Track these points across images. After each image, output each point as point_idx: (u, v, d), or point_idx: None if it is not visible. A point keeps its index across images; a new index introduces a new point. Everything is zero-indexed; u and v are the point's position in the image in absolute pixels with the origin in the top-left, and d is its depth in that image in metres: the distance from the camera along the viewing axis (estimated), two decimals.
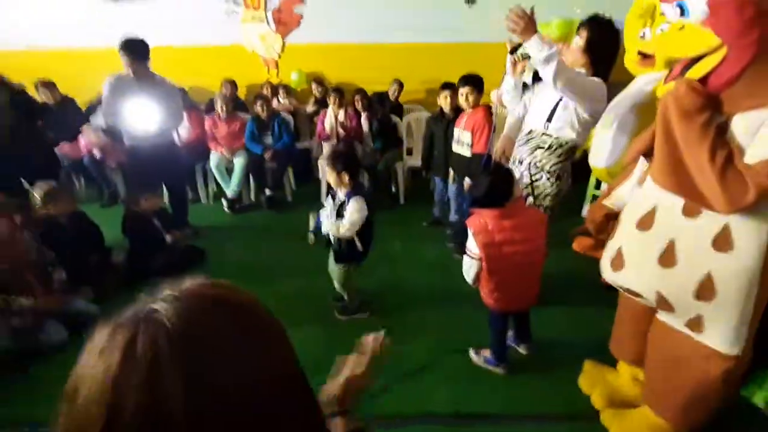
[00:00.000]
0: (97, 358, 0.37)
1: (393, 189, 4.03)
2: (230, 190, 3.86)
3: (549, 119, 2.01)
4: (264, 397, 0.40)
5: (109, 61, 4.46)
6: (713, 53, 1.08)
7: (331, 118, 3.98)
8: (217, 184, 4.01)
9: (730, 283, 1.11)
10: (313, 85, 4.57)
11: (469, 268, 1.77)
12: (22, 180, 2.79)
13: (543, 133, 2.04)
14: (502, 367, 1.90)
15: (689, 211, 1.16)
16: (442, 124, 3.09)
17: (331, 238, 2.13)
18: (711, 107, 1.08)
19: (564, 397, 1.78)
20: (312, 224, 2.20)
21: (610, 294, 1.72)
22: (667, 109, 1.13)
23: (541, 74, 1.83)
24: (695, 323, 1.23)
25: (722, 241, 1.12)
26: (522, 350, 2.03)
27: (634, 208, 1.33)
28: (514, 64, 2.16)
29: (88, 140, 3.86)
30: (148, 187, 2.76)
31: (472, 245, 1.72)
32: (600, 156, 2.44)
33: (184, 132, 3.93)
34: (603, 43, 1.97)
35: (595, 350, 1.93)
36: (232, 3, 4.59)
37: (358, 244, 2.07)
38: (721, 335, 1.18)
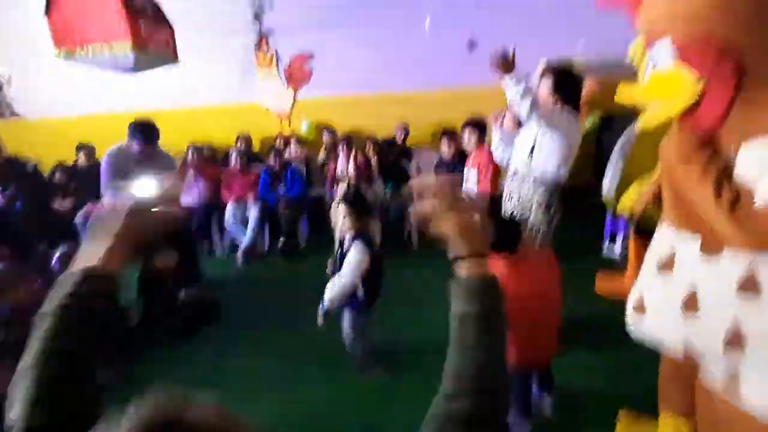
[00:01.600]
0: None
1: (406, 236, 4.01)
2: (245, 241, 3.92)
3: (530, 154, 2.12)
4: None
5: (125, 125, 4.76)
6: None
7: (343, 164, 4.08)
8: (232, 236, 4.09)
9: (762, 330, 1.02)
10: (324, 134, 4.72)
11: None
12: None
13: (526, 169, 2.14)
14: (528, 424, 1.77)
15: (709, 251, 1.08)
16: (445, 169, 3.13)
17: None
18: (707, 148, 1.04)
19: None
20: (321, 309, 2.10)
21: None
22: (666, 160, 1.10)
23: (518, 110, 1.96)
24: (732, 381, 1.11)
25: (749, 284, 1.04)
26: (547, 409, 1.87)
27: (654, 249, 1.26)
28: (495, 119, 2.33)
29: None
30: (158, 248, 2.81)
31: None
32: (607, 188, 2.44)
33: (201, 188, 4.08)
34: (568, 82, 2.10)
35: (628, 400, 1.78)
36: (247, 63, 4.89)
37: (360, 290, 2.02)
38: (760, 394, 1.06)
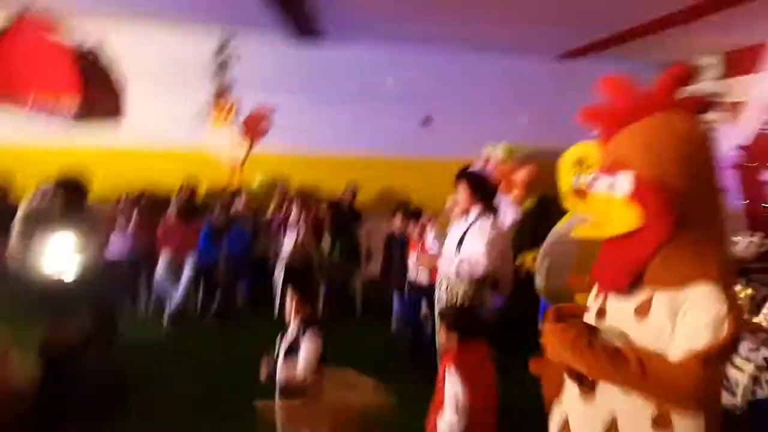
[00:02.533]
0: None
1: (348, 301, 3.94)
2: (175, 299, 3.61)
3: (458, 247, 2.34)
4: None
5: (55, 160, 4.37)
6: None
7: (295, 215, 3.94)
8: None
9: None
10: (277, 187, 4.63)
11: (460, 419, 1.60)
12: None
13: (455, 261, 2.34)
14: None
15: (625, 388, 1.16)
16: (397, 243, 3.19)
17: (278, 374, 1.97)
18: (586, 329, 1.18)
19: None
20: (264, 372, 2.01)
21: None
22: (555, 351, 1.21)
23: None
24: None
25: (661, 421, 1.11)
26: None
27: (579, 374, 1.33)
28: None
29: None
30: (70, 311, 2.48)
31: (461, 398, 1.58)
32: (540, 279, 2.62)
33: (131, 240, 3.77)
34: (481, 183, 2.45)
35: None
36: (202, 107, 4.78)
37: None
38: None
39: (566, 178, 2.52)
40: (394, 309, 3.40)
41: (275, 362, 2.00)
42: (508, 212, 3.44)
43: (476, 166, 3.42)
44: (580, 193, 2.41)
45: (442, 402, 1.68)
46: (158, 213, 4.18)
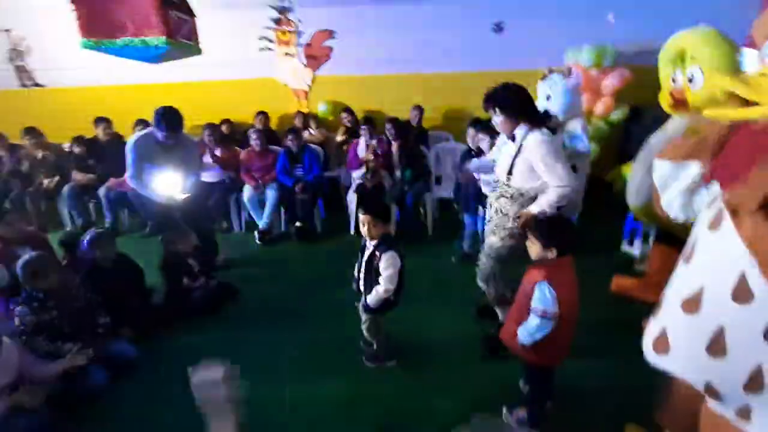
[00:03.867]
0: None
1: (422, 220, 4.01)
2: (262, 222, 3.97)
3: (510, 172, 2.13)
4: None
5: (147, 96, 4.76)
6: None
7: (364, 148, 4.02)
8: (250, 215, 4.13)
9: None
10: (343, 115, 4.65)
11: (540, 331, 1.63)
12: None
13: (505, 184, 2.17)
14: (539, 430, 1.81)
15: (739, 297, 1.06)
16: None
17: (361, 288, 2.14)
18: None
19: None
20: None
21: None
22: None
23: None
24: (743, 412, 1.12)
25: None
26: (548, 404, 1.91)
27: (679, 286, 1.24)
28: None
29: None
30: (179, 229, 2.87)
31: (551, 304, 1.60)
32: (631, 195, 2.35)
33: (218, 168, 4.12)
34: (513, 102, 2.07)
35: (636, 405, 1.81)
36: (267, 41, 4.79)
37: (391, 297, 2.06)
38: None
39: (664, 76, 2.15)
40: (466, 229, 3.40)
41: (357, 278, 2.16)
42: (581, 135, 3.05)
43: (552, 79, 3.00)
44: (677, 103, 2.08)
45: (521, 311, 1.70)
46: (238, 142, 4.46)
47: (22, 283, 2.06)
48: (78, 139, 4.36)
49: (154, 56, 2.27)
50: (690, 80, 1.96)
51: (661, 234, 2.68)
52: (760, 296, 1.05)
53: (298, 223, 3.96)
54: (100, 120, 4.39)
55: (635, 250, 3.36)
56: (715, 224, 1.14)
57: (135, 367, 2.31)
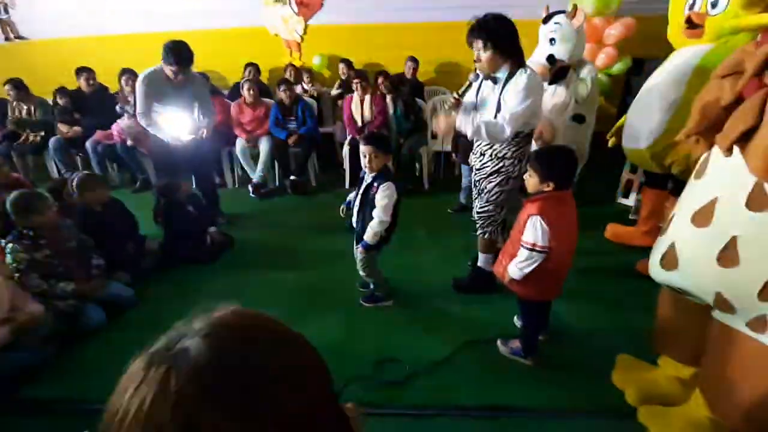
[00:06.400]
0: (132, 392, 0.39)
1: (417, 174, 3.98)
2: (255, 176, 3.90)
3: (498, 110, 1.97)
4: (299, 426, 0.40)
5: (131, 46, 4.57)
6: None
7: (357, 104, 3.91)
8: (243, 170, 4.06)
9: None
10: (341, 66, 4.50)
11: (530, 265, 1.64)
12: None
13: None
14: (531, 359, 1.87)
15: (755, 205, 1.05)
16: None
17: (354, 223, 2.13)
18: None
19: (594, 392, 1.72)
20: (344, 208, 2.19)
21: (646, 285, 1.64)
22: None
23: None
24: (759, 323, 1.14)
25: None
26: (541, 337, 1.96)
27: (689, 202, 1.23)
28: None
29: (121, 128, 3.96)
30: (178, 174, 2.81)
31: (540, 238, 1.59)
32: (640, 137, 2.29)
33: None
34: (506, 36, 1.89)
35: (629, 343, 1.87)
36: None
37: (383, 233, 2.05)
38: None
39: (679, 3, 2.07)
40: (464, 181, 3.38)
41: (351, 210, 2.14)
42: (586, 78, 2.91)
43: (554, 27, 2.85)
44: (693, 28, 2.01)
45: (515, 245, 1.69)
46: (230, 94, 4.32)
47: (14, 220, 2.02)
48: (61, 91, 4.19)
49: None
50: (713, 5, 1.88)
51: (649, 179, 2.68)
52: None
53: (292, 177, 3.91)
54: (82, 70, 4.18)
55: (630, 201, 3.37)
56: None
57: (133, 308, 2.32)
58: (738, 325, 1.18)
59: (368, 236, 2.03)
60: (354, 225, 2.15)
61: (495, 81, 1.98)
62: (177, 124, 2.77)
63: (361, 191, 2.05)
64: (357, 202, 2.08)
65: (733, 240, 1.09)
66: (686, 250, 1.21)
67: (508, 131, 1.91)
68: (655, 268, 1.34)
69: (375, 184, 1.98)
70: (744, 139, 1.06)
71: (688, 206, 1.22)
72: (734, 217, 1.09)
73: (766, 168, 1.00)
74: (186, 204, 2.79)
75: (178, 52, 2.59)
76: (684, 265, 1.21)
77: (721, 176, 1.14)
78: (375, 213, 1.98)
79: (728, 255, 1.09)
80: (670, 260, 1.25)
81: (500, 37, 1.87)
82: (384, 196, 1.95)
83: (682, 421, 1.39)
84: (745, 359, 1.18)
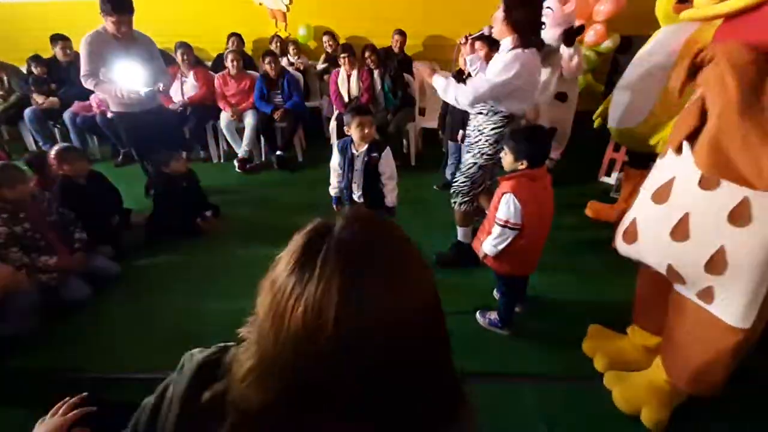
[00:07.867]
0: (293, 268, 0.48)
1: (404, 150, 3.97)
2: (240, 150, 3.85)
3: None
4: (411, 328, 0.47)
5: None
6: None
7: (344, 79, 3.85)
8: (228, 144, 4.00)
9: (743, 258, 1.09)
10: (324, 38, 4.39)
11: (503, 241, 1.69)
12: None
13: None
14: (508, 330, 1.95)
15: (707, 184, 1.11)
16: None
17: (357, 197, 2.17)
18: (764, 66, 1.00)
19: (566, 359, 1.82)
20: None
21: (622, 259, 1.71)
22: (719, 66, 1.05)
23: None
24: (706, 294, 1.22)
25: (739, 215, 1.08)
26: (517, 309, 2.05)
27: (652, 180, 1.28)
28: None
29: (100, 99, 3.84)
30: (170, 149, 2.75)
31: (513, 215, 1.64)
32: (626, 117, 2.33)
33: (190, 90, 3.89)
34: (518, 7, 1.85)
35: (601, 314, 1.96)
36: None
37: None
38: (731, 309, 1.16)
39: None
40: (449, 157, 3.39)
41: (349, 181, 2.14)
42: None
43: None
44: (683, 1, 2.01)
45: (491, 223, 1.74)
46: (213, 66, 4.20)
47: None
48: (36, 59, 4.02)
49: None
50: None
51: (632, 159, 2.73)
52: (725, 184, 1.10)
53: (278, 152, 3.87)
54: (57, 38, 4.00)
55: (612, 180, 3.44)
56: None
57: (119, 281, 2.32)
58: (690, 295, 1.26)
59: (393, 199, 2.16)
60: (357, 199, 2.18)
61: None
62: (130, 76, 2.60)
63: (360, 167, 2.08)
64: (358, 176, 2.11)
65: (686, 216, 1.15)
66: (645, 227, 1.28)
67: (469, 96, 1.93)
68: (618, 241, 1.41)
69: (375, 155, 2.05)
70: (692, 138, 1.15)
71: (651, 184, 1.28)
72: (688, 194, 1.15)
73: (708, 164, 1.10)
74: (180, 179, 2.76)
75: (121, 5, 2.43)
76: (642, 238, 1.28)
77: (680, 157, 1.20)
78: (386, 179, 2.10)
79: (680, 230, 1.16)
80: (630, 234, 1.32)
81: (516, 8, 1.85)
82: (390, 162, 2.08)
83: (643, 384, 1.49)
84: (696, 327, 1.27)
